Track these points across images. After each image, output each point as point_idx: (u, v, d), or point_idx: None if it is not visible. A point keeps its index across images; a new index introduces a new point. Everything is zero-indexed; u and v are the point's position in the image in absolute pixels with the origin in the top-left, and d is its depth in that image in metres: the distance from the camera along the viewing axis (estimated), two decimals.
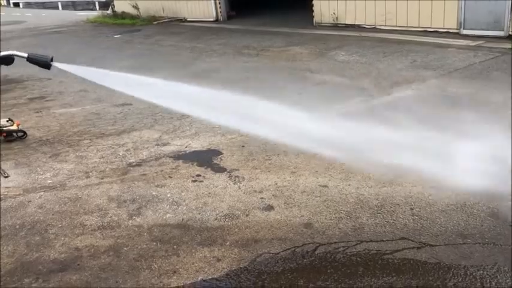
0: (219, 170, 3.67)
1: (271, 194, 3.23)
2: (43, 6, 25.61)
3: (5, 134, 4.56)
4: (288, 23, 11.50)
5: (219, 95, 3.77)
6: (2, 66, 3.00)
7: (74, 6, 23.98)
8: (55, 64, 2.87)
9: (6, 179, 3.77)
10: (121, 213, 3.11)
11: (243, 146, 4.08)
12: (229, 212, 3.03)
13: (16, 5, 28.58)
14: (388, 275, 2.33)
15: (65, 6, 24.50)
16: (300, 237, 2.69)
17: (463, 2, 8.29)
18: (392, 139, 3.36)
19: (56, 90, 6.54)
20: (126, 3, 15.78)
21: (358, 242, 2.61)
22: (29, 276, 2.52)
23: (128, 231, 2.90)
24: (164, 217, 3.03)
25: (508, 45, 7.13)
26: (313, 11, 11.00)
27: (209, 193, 3.31)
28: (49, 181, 3.70)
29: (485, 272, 2.30)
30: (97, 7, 20.99)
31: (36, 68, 3.06)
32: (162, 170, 3.74)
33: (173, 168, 3.76)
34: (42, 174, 3.83)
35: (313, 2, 10.91)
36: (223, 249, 2.64)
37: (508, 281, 2.23)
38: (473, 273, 2.29)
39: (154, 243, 2.75)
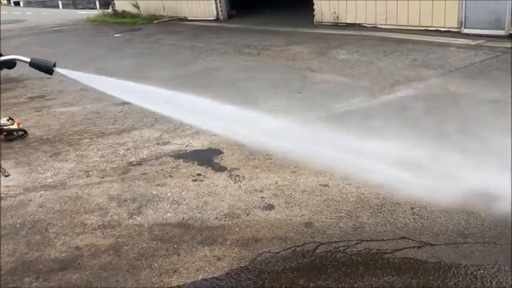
0: (220, 169, 3.67)
1: (271, 193, 3.23)
2: (43, 4, 25.64)
3: (5, 133, 4.56)
4: (289, 22, 11.49)
5: (219, 107, 3.75)
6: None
7: (75, 5, 23.99)
8: (57, 70, 2.87)
9: (7, 178, 3.77)
10: (121, 212, 3.11)
11: (243, 145, 4.07)
12: (230, 211, 3.03)
13: (17, 3, 28.59)
14: (389, 274, 2.33)
15: (66, 5, 24.51)
16: (300, 237, 2.69)
17: (464, 1, 8.28)
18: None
19: (56, 89, 6.55)
20: (127, 2, 15.79)
21: (359, 241, 2.61)
22: (30, 275, 2.52)
23: (128, 230, 2.90)
24: (165, 216, 3.03)
25: (509, 45, 7.12)
26: (313, 10, 10.98)
27: (210, 192, 3.31)
28: (49, 180, 3.70)
29: (485, 272, 2.29)
30: (97, 6, 20.99)
31: None
32: (163, 169, 3.74)
33: (174, 168, 3.76)
34: (42, 173, 3.83)
35: (314, 1, 10.89)
36: (223, 249, 2.64)
37: (508, 280, 2.23)
38: (474, 273, 2.29)
39: (155, 243, 2.75)
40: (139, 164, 3.90)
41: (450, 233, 2.61)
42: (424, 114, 4.53)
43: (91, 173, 3.78)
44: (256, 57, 8.05)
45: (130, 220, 3.02)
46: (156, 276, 2.45)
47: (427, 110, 4.63)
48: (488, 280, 2.24)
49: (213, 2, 13.69)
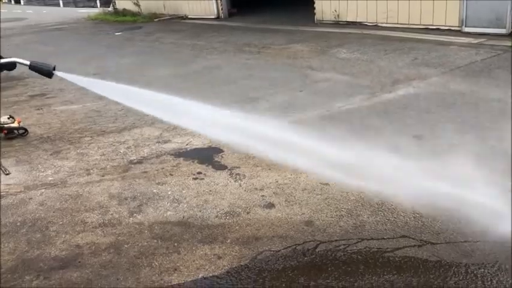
0: (220, 167, 3.67)
1: (272, 191, 3.22)
2: (44, 3, 25.64)
3: (6, 131, 4.56)
4: (289, 20, 11.48)
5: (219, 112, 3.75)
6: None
7: (75, 3, 23.99)
8: (57, 73, 2.87)
9: (7, 176, 3.78)
10: (122, 211, 3.12)
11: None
12: (230, 210, 3.03)
13: (17, 1, 28.59)
14: (389, 273, 2.33)
15: (66, 3, 24.51)
16: (300, 235, 2.69)
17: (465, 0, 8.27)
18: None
19: (56, 88, 6.54)
20: (127, 0, 15.78)
21: (359, 240, 2.60)
22: (30, 274, 2.52)
23: (128, 228, 2.90)
24: (165, 214, 3.03)
25: (510, 43, 7.11)
26: (314, 9, 10.97)
27: (210, 191, 3.31)
28: (50, 178, 3.70)
29: (486, 271, 2.29)
30: (98, 4, 20.98)
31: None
32: (163, 168, 3.74)
33: (174, 166, 3.76)
34: (43, 172, 3.83)
35: (315, 0, 10.88)
36: (224, 247, 2.64)
37: (509, 279, 2.22)
38: (474, 272, 2.29)
39: (155, 241, 2.75)
40: (139, 162, 3.90)
41: (451, 231, 2.61)
42: (425, 112, 4.54)
43: (91, 171, 3.78)
44: (256, 55, 8.04)
45: (131, 218, 3.02)
46: (157, 275, 2.45)
47: (427, 109, 4.63)
48: (489, 279, 2.24)
49: (214, 0, 13.68)
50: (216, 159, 3.82)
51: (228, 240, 2.70)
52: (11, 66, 2.88)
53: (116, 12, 16.64)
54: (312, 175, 3.30)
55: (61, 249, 2.73)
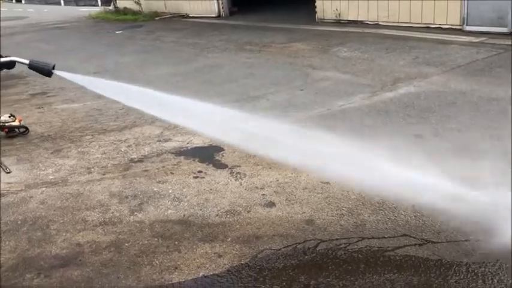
0: (221, 166, 3.67)
1: (272, 190, 3.22)
2: (45, 1, 25.63)
3: (7, 130, 4.56)
4: (290, 19, 11.46)
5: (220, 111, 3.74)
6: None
7: (76, 2, 23.98)
8: (56, 72, 2.86)
9: (8, 174, 3.78)
10: (122, 209, 3.12)
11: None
12: (231, 208, 3.03)
13: (18, 0, 28.59)
14: (390, 271, 2.32)
15: (67, 2, 24.50)
16: (301, 234, 2.69)
17: None
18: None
19: (57, 86, 6.54)
20: None
21: (360, 239, 2.60)
22: (31, 272, 2.53)
23: (129, 227, 2.90)
24: (166, 213, 3.03)
25: (511, 42, 7.09)
26: (315, 7, 10.96)
27: (210, 189, 3.31)
28: (51, 177, 3.71)
29: (487, 269, 2.29)
30: (99, 3, 20.96)
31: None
32: (164, 166, 3.74)
33: (175, 165, 3.76)
34: (44, 170, 3.84)
35: None
36: (224, 246, 2.64)
37: (509, 278, 2.22)
38: (475, 271, 2.29)
39: (156, 239, 2.75)
40: (140, 160, 3.90)
41: (451, 230, 2.60)
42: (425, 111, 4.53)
43: (92, 169, 3.78)
44: (257, 54, 8.04)
45: (132, 217, 3.02)
46: (157, 273, 2.45)
47: (428, 107, 4.63)
48: (490, 278, 2.23)
49: None
50: (216, 157, 3.82)
51: (229, 239, 2.70)
52: (10, 65, 2.88)
53: (117, 10, 16.63)
54: (313, 174, 3.30)
55: (62, 247, 2.73)
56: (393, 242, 2.55)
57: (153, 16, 14.75)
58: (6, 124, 4.56)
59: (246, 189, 3.27)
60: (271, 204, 3.05)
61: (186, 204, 3.13)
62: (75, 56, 9.03)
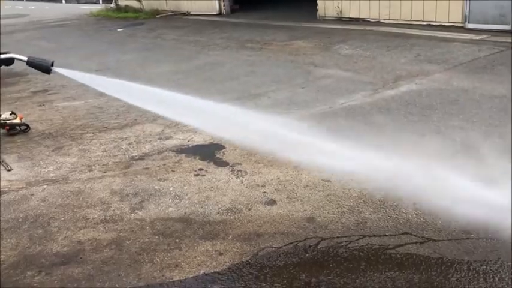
0: (222, 164, 3.66)
1: (273, 188, 3.22)
2: None
3: (8, 128, 4.56)
4: (292, 16, 11.45)
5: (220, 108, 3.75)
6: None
7: (77, 0, 23.95)
8: (55, 69, 2.85)
9: (10, 172, 3.78)
10: (123, 207, 3.12)
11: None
12: (232, 206, 3.02)
13: None
14: (391, 269, 2.32)
15: (69, 0, 24.48)
16: (302, 232, 2.68)
17: None
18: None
19: (58, 84, 6.54)
20: None
21: (361, 237, 2.60)
22: (32, 269, 2.53)
23: (130, 224, 2.90)
24: (166, 211, 3.03)
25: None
26: (317, 5, 10.94)
27: (211, 187, 3.30)
28: (52, 174, 3.71)
29: (488, 267, 2.28)
30: (100, 0, 20.94)
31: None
32: (165, 164, 3.74)
33: (176, 162, 3.76)
34: (45, 168, 3.84)
35: None
36: (225, 243, 2.63)
37: (511, 276, 2.22)
38: (476, 269, 2.28)
39: (157, 237, 2.75)
40: (141, 158, 3.89)
41: (453, 228, 2.60)
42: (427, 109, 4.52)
43: (93, 167, 3.78)
44: (258, 52, 8.02)
45: (132, 215, 3.02)
46: (158, 271, 2.45)
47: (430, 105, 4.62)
48: (491, 276, 2.23)
49: None
50: (217, 155, 3.82)
51: (230, 237, 2.70)
52: (9, 61, 2.87)
53: (118, 8, 16.61)
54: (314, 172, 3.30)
55: (63, 245, 2.74)
56: (394, 240, 2.55)
57: (154, 14, 14.73)
58: (7, 122, 4.56)
59: (247, 187, 3.26)
60: (272, 202, 3.04)
61: (187, 202, 3.13)
62: (75, 54, 9.02)
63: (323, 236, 2.63)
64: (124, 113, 5.08)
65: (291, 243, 2.59)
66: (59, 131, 4.70)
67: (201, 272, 2.42)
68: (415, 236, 2.57)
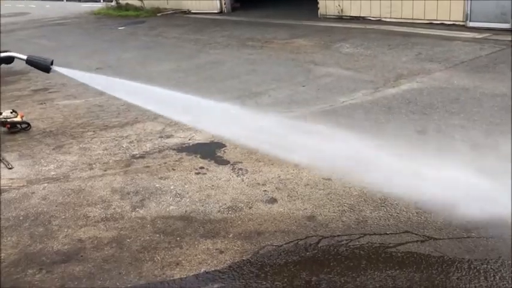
0: (222, 162, 3.66)
1: (274, 186, 3.22)
2: None
3: (9, 126, 4.56)
4: (293, 15, 11.43)
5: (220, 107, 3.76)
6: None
7: None
8: (55, 68, 2.85)
9: (10, 170, 3.78)
10: (124, 205, 3.12)
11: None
12: (233, 205, 3.02)
13: None
14: (392, 268, 2.32)
15: None
16: (303, 230, 2.68)
17: None
18: None
19: (59, 82, 6.53)
20: None
21: (362, 235, 2.60)
22: (33, 267, 2.53)
23: (131, 223, 2.90)
24: (167, 209, 3.03)
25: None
26: (318, 3, 10.92)
27: (212, 185, 3.30)
28: (53, 173, 3.71)
29: (489, 266, 2.28)
30: None
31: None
32: (166, 162, 3.74)
33: (176, 161, 3.76)
34: (45, 166, 3.84)
35: None
36: (226, 242, 2.64)
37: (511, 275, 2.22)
38: (477, 267, 2.28)
39: (158, 235, 2.75)
40: (142, 157, 3.90)
41: (453, 227, 2.59)
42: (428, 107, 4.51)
43: (94, 165, 3.78)
44: (259, 50, 8.02)
45: (133, 213, 3.02)
46: (159, 269, 2.45)
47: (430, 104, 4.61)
48: (492, 275, 2.23)
49: None
50: (218, 154, 3.82)
51: (230, 235, 2.70)
52: (9, 60, 2.87)
53: (119, 6, 16.60)
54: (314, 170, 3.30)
55: (63, 243, 2.74)
56: (395, 239, 2.55)
57: (155, 12, 14.73)
58: (8, 120, 4.56)
59: (247, 186, 3.26)
60: (273, 200, 3.04)
61: (187, 200, 3.13)
62: (75, 52, 9.02)
63: (324, 235, 2.63)
64: (125, 112, 5.08)
65: (291, 241, 2.59)
66: (59, 129, 4.70)
67: (202, 270, 2.42)
68: (416, 234, 2.57)
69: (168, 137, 4.28)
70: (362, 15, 10.02)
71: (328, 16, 10.67)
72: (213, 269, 2.42)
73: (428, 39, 7.60)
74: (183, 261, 2.50)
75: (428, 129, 3.98)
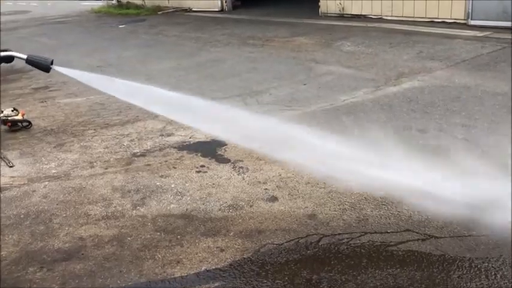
0: (223, 160, 3.66)
1: (275, 185, 3.22)
2: None
3: (10, 124, 4.57)
4: (294, 13, 11.41)
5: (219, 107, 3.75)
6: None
7: None
8: (55, 68, 2.84)
9: (11, 168, 3.79)
10: (125, 203, 3.12)
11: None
12: (233, 203, 3.02)
13: None
14: (392, 266, 2.32)
15: None
16: (303, 228, 2.68)
17: None
18: None
19: (60, 80, 6.53)
20: None
21: (362, 234, 2.60)
22: (34, 265, 2.53)
23: (131, 221, 2.91)
24: (168, 207, 3.03)
25: None
26: (319, 1, 10.91)
27: (213, 184, 3.30)
28: (53, 171, 3.71)
29: (490, 265, 2.28)
30: None
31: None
32: (166, 161, 3.74)
33: (177, 159, 3.76)
34: (46, 164, 3.84)
35: None
36: (226, 240, 2.64)
37: None
38: (478, 266, 2.28)
39: (158, 234, 2.75)
40: (143, 155, 3.90)
41: (455, 225, 2.59)
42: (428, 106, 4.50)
43: (95, 164, 3.79)
44: (260, 48, 8.01)
45: (134, 211, 3.02)
46: (160, 267, 2.45)
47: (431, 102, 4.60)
48: (493, 273, 2.22)
49: None
50: (219, 152, 3.82)
51: (231, 233, 2.70)
52: (8, 59, 2.87)
53: (120, 5, 16.60)
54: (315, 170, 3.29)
55: (64, 241, 2.74)
56: (396, 237, 2.55)
57: (156, 10, 14.72)
58: (9, 118, 4.57)
59: (248, 184, 3.26)
60: (274, 198, 3.04)
61: (188, 198, 3.13)
62: (76, 50, 9.02)
63: (324, 233, 2.63)
64: (126, 110, 5.08)
65: (292, 240, 2.59)
66: (60, 128, 4.70)
67: (203, 268, 2.42)
68: (417, 233, 2.57)
69: (169, 135, 4.28)
70: (363, 13, 10.00)
71: (329, 14, 10.66)
72: (213, 267, 2.42)
73: (430, 37, 7.58)
74: (183, 260, 2.50)
75: (429, 128, 3.98)
